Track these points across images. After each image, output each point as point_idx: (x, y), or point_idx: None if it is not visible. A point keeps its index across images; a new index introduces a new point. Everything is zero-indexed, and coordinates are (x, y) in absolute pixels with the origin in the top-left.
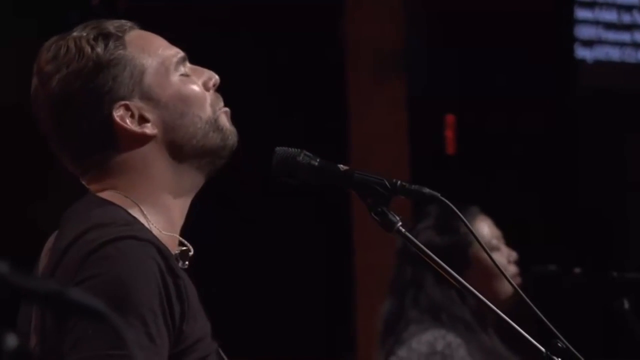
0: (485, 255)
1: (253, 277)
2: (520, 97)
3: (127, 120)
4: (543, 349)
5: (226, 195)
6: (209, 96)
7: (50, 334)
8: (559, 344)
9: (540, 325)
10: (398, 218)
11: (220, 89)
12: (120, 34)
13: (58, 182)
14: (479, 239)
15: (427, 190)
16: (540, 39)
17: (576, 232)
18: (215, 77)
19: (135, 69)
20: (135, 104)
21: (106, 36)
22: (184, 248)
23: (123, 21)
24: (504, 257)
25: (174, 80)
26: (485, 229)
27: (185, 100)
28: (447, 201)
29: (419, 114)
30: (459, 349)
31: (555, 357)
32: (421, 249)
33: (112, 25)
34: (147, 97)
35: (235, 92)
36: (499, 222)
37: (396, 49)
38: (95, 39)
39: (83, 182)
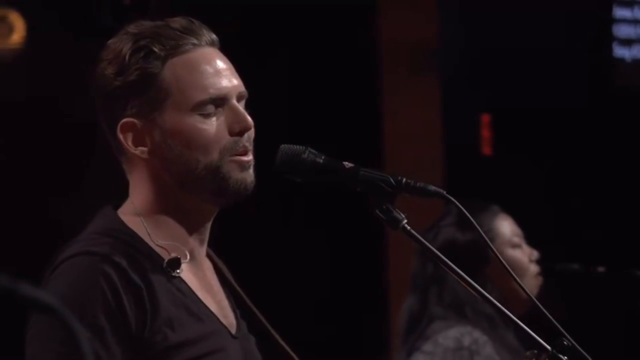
0: (508, 253)
1: (287, 278)
2: (557, 97)
3: (127, 137)
4: (549, 347)
5: (264, 196)
6: (226, 141)
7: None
8: (565, 342)
9: (560, 324)
10: (403, 215)
11: (254, 88)
12: (166, 54)
13: (83, 182)
14: (483, 234)
15: (432, 187)
16: (578, 38)
17: (612, 232)
18: (245, 125)
19: (159, 93)
20: (144, 125)
21: (150, 52)
22: (175, 256)
23: (191, 38)
24: (525, 256)
25: (187, 120)
26: (506, 227)
27: (189, 142)
28: (452, 198)
29: (453, 113)
30: (486, 345)
31: (561, 355)
32: (427, 246)
33: (169, 41)
34: (156, 125)
35: (271, 91)
36: (533, 223)
37: (431, 47)
38: (139, 50)
39: None
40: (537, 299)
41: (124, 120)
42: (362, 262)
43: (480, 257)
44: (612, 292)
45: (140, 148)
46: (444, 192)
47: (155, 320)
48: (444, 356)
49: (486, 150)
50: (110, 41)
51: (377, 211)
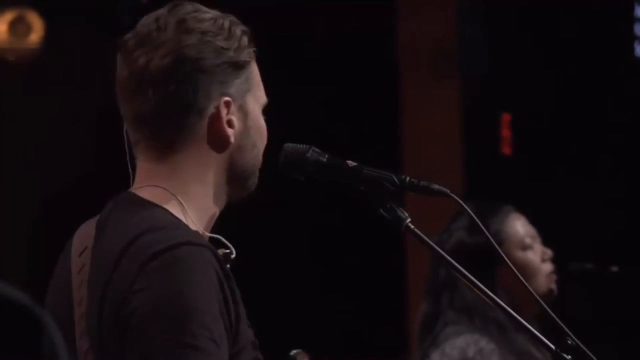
0: (517, 255)
1: (307, 279)
2: (577, 96)
3: (223, 118)
4: (553, 346)
5: (285, 196)
6: None
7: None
8: (569, 341)
9: (584, 325)
10: (407, 214)
11: (278, 88)
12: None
13: None
14: (488, 233)
15: (436, 186)
16: (599, 37)
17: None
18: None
19: (248, 81)
20: (237, 107)
21: (251, 38)
22: (227, 251)
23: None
24: (537, 256)
25: (260, 114)
26: (518, 227)
27: (262, 137)
28: (456, 198)
29: (473, 113)
30: (492, 355)
31: (564, 355)
32: (432, 246)
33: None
34: (244, 111)
35: (291, 91)
36: (552, 222)
37: (451, 47)
38: (245, 33)
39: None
40: (553, 298)
41: (226, 98)
42: (381, 262)
43: (490, 259)
44: (626, 291)
45: (230, 130)
46: (448, 191)
47: (242, 314)
48: None
49: (506, 150)
50: (193, 14)
51: (381, 210)
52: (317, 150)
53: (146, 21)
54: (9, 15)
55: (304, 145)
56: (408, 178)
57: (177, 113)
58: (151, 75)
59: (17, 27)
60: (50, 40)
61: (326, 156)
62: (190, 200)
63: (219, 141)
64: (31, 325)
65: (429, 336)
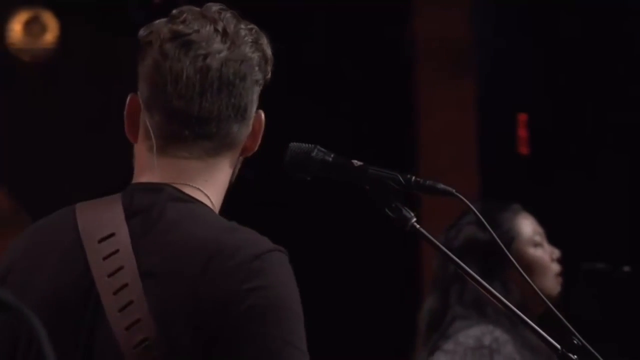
0: (529, 252)
1: (324, 277)
2: (595, 95)
3: (261, 131)
4: (558, 346)
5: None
6: None
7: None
8: (575, 341)
9: (594, 324)
10: (412, 214)
11: (292, 87)
12: None
13: None
14: (492, 232)
15: (441, 185)
16: (619, 35)
17: None
18: None
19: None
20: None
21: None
22: None
23: None
24: (547, 255)
25: None
26: (527, 226)
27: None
28: (462, 197)
29: (489, 112)
30: (507, 344)
31: (570, 355)
32: (437, 245)
33: None
34: (260, 121)
35: (305, 90)
36: (569, 222)
37: (466, 46)
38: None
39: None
40: (558, 298)
41: (260, 111)
42: (397, 260)
43: (500, 255)
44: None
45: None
46: (454, 191)
47: None
48: (464, 355)
49: (523, 149)
50: (246, 27)
51: (387, 210)
52: (322, 149)
53: (201, 22)
54: (23, 16)
55: (309, 145)
56: (413, 177)
57: (235, 118)
58: (227, 78)
59: (32, 27)
60: (65, 40)
61: (331, 155)
62: (216, 203)
63: (247, 151)
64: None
65: (435, 332)
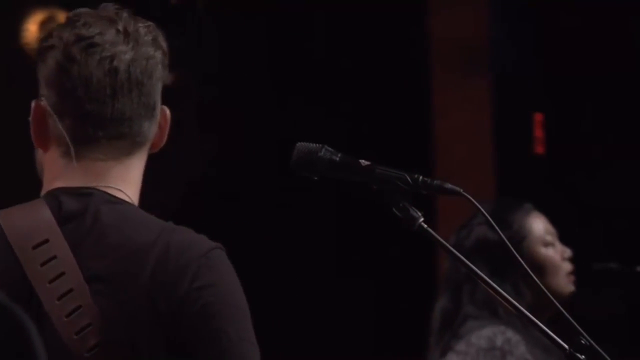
0: (540, 251)
1: (334, 278)
2: (611, 96)
3: (166, 126)
4: (566, 346)
5: (310, 195)
6: None
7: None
8: (583, 341)
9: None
10: (420, 214)
11: (308, 87)
12: None
13: None
14: (500, 232)
15: (449, 185)
16: (629, 35)
17: None
18: None
19: None
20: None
21: None
22: None
23: None
24: (558, 254)
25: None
26: (539, 225)
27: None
28: (469, 197)
29: (505, 112)
30: (519, 345)
31: (578, 355)
32: (445, 245)
33: None
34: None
35: (320, 90)
36: (584, 222)
37: (482, 46)
38: None
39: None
40: (570, 297)
41: (164, 107)
42: (410, 261)
43: (511, 255)
44: None
45: None
46: (461, 190)
47: None
48: (476, 356)
49: (539, 149)
50: (144, 25)
51: (394, 209)
52: (329, 149)
53: (102, 25)
54: (39, 16)
55: (317, 144)
56: (421, 177)
57: (145, 116)
58: (135, 78)
59: (48, 27)
60: None
61: (339, 155)
62: (135, 202)
63: (154, 147)
64: (8, 325)
65: (447, 332)
